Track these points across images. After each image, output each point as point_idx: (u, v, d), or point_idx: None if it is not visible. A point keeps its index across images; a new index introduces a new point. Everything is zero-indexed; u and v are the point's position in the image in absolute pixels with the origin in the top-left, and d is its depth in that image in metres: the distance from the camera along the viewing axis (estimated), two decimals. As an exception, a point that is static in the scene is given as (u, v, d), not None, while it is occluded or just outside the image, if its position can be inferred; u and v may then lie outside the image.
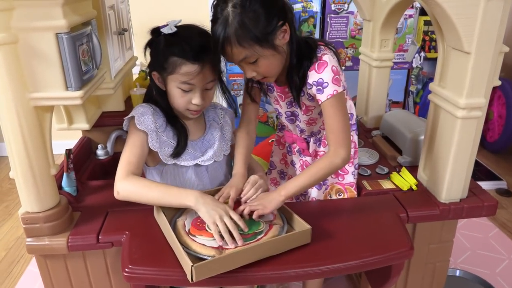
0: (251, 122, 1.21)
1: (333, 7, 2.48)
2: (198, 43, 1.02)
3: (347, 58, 2.59)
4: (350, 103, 1.25)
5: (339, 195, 1.28)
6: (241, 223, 0.96)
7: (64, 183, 1.22)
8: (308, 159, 1.31)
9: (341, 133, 1.04)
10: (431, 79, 2.76)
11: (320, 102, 1.04)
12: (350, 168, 1.27)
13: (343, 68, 2.46)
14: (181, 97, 1.07)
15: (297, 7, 2.45)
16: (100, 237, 1.06)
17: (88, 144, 1.52)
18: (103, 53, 1.18)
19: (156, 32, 1.06)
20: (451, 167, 1.13)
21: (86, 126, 1.37)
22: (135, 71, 1.80)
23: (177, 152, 1.11)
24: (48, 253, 1.08)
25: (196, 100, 1.07)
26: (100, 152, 1.50)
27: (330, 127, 1.05)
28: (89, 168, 1.43)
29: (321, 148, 1.27)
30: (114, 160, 1.52)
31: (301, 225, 1.00)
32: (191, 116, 1.13)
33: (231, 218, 0.96)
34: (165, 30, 1.03)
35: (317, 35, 2.53)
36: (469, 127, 1.08)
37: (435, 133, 1.20)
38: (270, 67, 1.02)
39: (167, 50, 1.03)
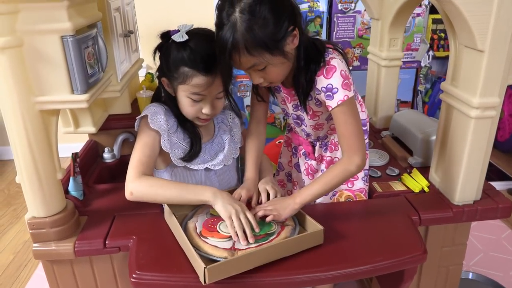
0: (260, 123, 1.18)
1: (339, 6, 2.45)
2: (210, 55, 0.97)
3: (354, 58, 2.57)
4: (363, 110, 1.23)
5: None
6: (254, 223, 0.96)
7: (70, 187, 1.21)
8: (313, 163, 1.27)
9: (354, 139, 1.00)
10: (440, 78, 2.72)
11: (330, 109, 1.01)
12: (360, 173, 1.22)
13: (351, 68, 2.43)
14: (191, 106, 1.05)
15: (304, 7, 2.43)
16: (107, 242, 1.05)
17: (95, 148, 1.51)
18: (109, 55, 1.17)
19: (166, 36, 1.02)
20: (465, 168, 1.11)
21: (92, 130, 1.36)
22: (141, 73, 1.78)
23: (191, 156, 1.10)
24: (55, 259, 1.07)
25: (206, 110, 1.05)
26: (106, 155, 1.49)
27: (342, 134, 1.01)
28: (95, 172, 1.42)
29: (327, 153, 1.24)
30: (121, 163, 1.51)
31: (313, 226, 0.99)
32: (200, 124, 1.12)
33: (246, 216, 0.96)
34: (176, 38, 0.99)
35: (323, 35, 2.51)
36: (483, 127, 1.05)
37: (448, 133, 1.17)
38: (279, 74, 0.99)
39: (178, 60, 1.00)
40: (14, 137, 0.95)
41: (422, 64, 2.65)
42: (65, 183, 1.20)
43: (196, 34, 1.00)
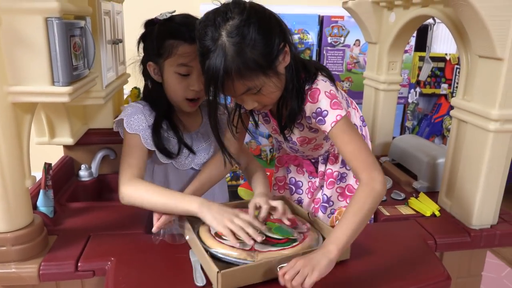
0: (231, 150, 1.05)
1: (329, 39, 2.46)
2: (189, 23, 0.97)
3: (343, 91, 2.54)
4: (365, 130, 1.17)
5: None
6: (257, 223, 0.87)
7: (39, 202, 1.05)
8: (317, 180, 1.17)
9: (365, 155, 0.88)
10: (426, 115, 2.72)
11: (326, 133, 0.91)
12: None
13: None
14: (179, 83, 1.01)
15: (294, 38, 2.41)
16: (79, 264, 0.89)
17: (70, 164, 1.35)
18: (96, 56, 1.06)
19: (150, 23, 1.02)
20: (482, 188, 1.02)
21: (69, 141, 1.22)
22: (126, 90, 1.67)
23: (167, 153, 1.05)
24: (14, 284, 0.89)
25: (194, 85, 1.00)
26: (83, 173, 1.33)
27: (350, 155, 0.89)
28: (69, 190, 1.26)
29: (328, 166, 1.15)
30: (98, 182, 1.36)
31: None
32: (189, 109, 1.06)
33: (243, 218, 0.87)
34: (159, 17, 1.00)
35: (313, 67, 2.49)
36: (503, 140, 0.98)
37: (460, 152, 1.09)
38: (274, 95, 0.89)
39: (163, 34, 0.99)
40: (-21, 133, 0.81)
41: (409, 100, 2.65)
42: (33, 197, 1.04)
43: (179, 14, 1.02)
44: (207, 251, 0.84)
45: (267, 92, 0.87)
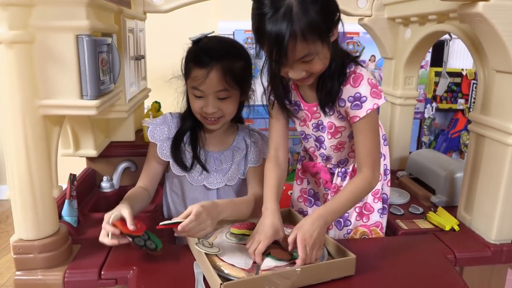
0: (280, 148, 1.08)
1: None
2: (208, 49, 1.03)
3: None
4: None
5: (363, 238, 1.13)
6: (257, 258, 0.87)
7: (64, 211, 1.08)
8: (329, 192, 1.16)
9: (376, 156, 0.98)
10: (443, 131, 2.71)
11: (357, 119, 0.94)
12: (376, 204, 1.12)
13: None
14: (194, 102, 1.08)
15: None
16: (102, 273, 0.91)
17: (93, 176, 1.39)
18: (120, 72, 1.10)
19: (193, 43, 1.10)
20: (502, 202, 1.02)
21: (93, 153, 1.26)
22: (146, 104, 1.72)
23: (178, 162, 1.12)
24: (40, 291, 0.92)
25: (206, 108, 1.06)
26: (105, 184, 1.36)
27: (366, 150, 0.96)
28: (91, 201, 1.29)
29: (345, 183, 1.15)
30: (119, 193, 1.38)
31: (344, 254, 0.88)
32: (208, 127, 1.12)
33: None
34: (192, 38, 1.07)
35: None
36: (522, 155, 0.98)
37: (479, 166, 1.09)
38: (322, 66, 0.91)
39: (187, 56, 1.07)
40: (11, 144, 0.85)
41: (426, 115, 2.64)
42: (58, 206, 1.07)
43: (211, 36, 1.08)
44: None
45: (317, 62, 0.88)
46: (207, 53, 1.03)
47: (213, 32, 1.05)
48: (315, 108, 1.03)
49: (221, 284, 0.76)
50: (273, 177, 1.04)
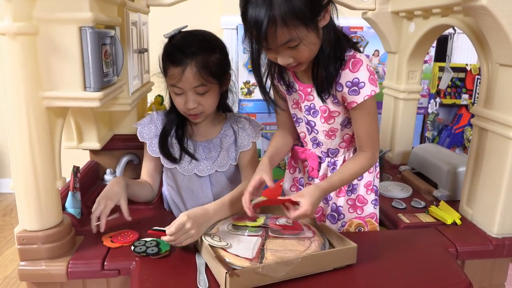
0: (285, 124, 1.14)
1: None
2: (181, 46, 1.05)
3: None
4: None
5: (359, 230, 1.13)
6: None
7: (68, 203, 1.09)
8: (316, 181, 1.13)
9: (376, 138, 1.02)
10: (446, 126, 2.70)
11: (354, 105, 0.95)
12: (369, 196, 1.11)
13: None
14: (175, 99, 1.10)
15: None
16: (105, 264, 0.92)
17: (96, 169, 1.40)
18: (123, 64, 1.10)
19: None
20: (504, 196, 1.01)
21: (96, 146, 1.27)
22: (149, 98, 1.72)
23: (168, 156, 1.16)
24: (43, 281, 0.93)
25: (188, 103, 1.08)
26: (108, 177, 1.37)
27: (366, 134, 0.99)
28: (95, 193, 1.29)
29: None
30: (122, 186, 1.39)
31: (345, 243, 0.89)
32: (193, 120, 1.15)
33: None
34: (166, 35, 1.09)
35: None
36: (525, 149, 0.98)
37: (481, 160, 1.09)
38: (310, 52, 0.90)
39: (163, 53, 1.09)
40: (15, 135, 0.86)
41: (429, 111, 2.63)
42: (62, 198, 1.08)
43: (184, 31, 1.09)
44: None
45: (304, 48, 0.87)
46: (180, 51, 1.05)
47: (186, 26, 1.06)
48: (309, 89, 1.02)
49: (226, 272, 0.77)
50: (274, 140, 1.13)
